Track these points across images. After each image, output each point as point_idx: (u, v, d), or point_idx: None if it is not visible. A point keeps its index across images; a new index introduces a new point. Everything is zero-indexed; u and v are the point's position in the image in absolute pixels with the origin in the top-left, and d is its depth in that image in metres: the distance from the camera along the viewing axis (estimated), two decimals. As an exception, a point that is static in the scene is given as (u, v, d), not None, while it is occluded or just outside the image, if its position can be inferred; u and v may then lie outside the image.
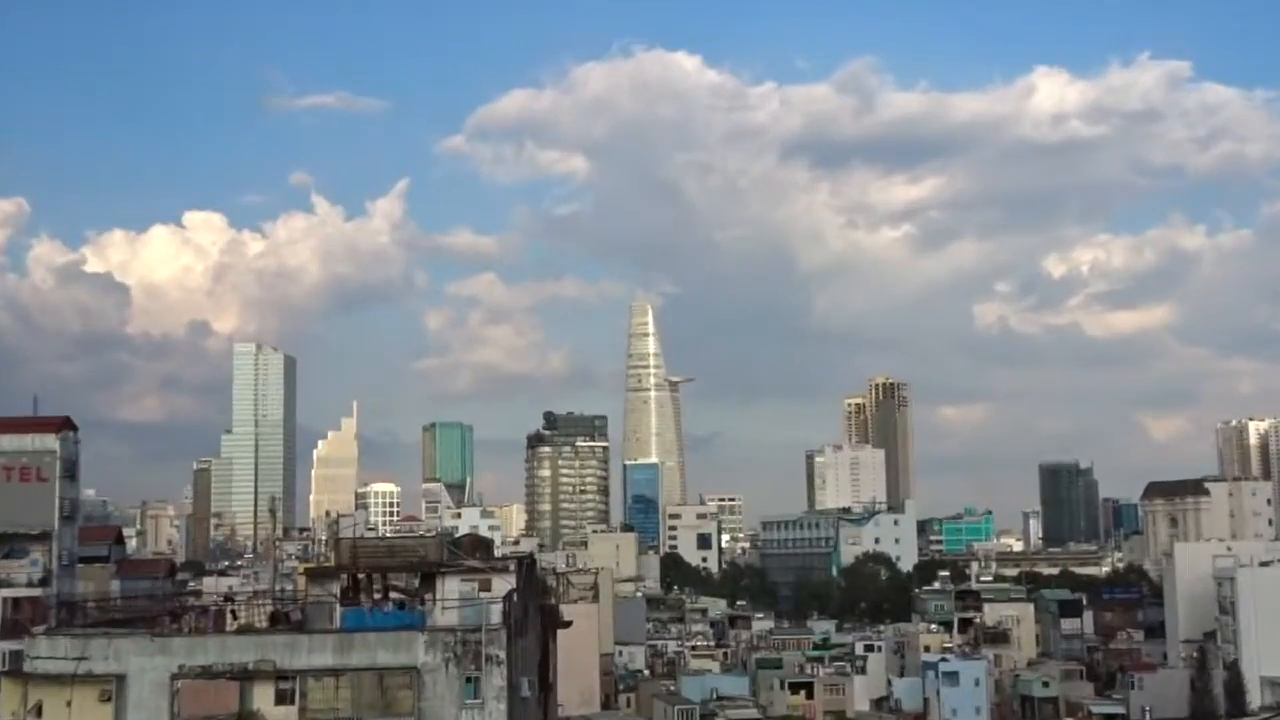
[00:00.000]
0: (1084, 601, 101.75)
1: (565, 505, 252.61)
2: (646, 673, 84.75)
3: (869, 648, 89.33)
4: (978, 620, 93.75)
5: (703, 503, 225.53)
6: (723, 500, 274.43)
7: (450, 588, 30.29)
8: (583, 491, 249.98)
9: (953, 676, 75.17)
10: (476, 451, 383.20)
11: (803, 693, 78.00)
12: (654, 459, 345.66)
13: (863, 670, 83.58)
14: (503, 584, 30.30)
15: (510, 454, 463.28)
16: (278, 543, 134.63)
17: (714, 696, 72.93)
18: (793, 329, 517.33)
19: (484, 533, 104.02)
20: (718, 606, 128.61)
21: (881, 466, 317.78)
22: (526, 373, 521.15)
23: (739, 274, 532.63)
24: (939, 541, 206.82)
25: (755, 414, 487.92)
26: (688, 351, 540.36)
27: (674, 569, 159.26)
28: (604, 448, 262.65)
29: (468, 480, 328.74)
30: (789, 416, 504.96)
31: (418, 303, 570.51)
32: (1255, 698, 63.22)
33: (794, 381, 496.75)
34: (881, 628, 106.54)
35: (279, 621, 31.20)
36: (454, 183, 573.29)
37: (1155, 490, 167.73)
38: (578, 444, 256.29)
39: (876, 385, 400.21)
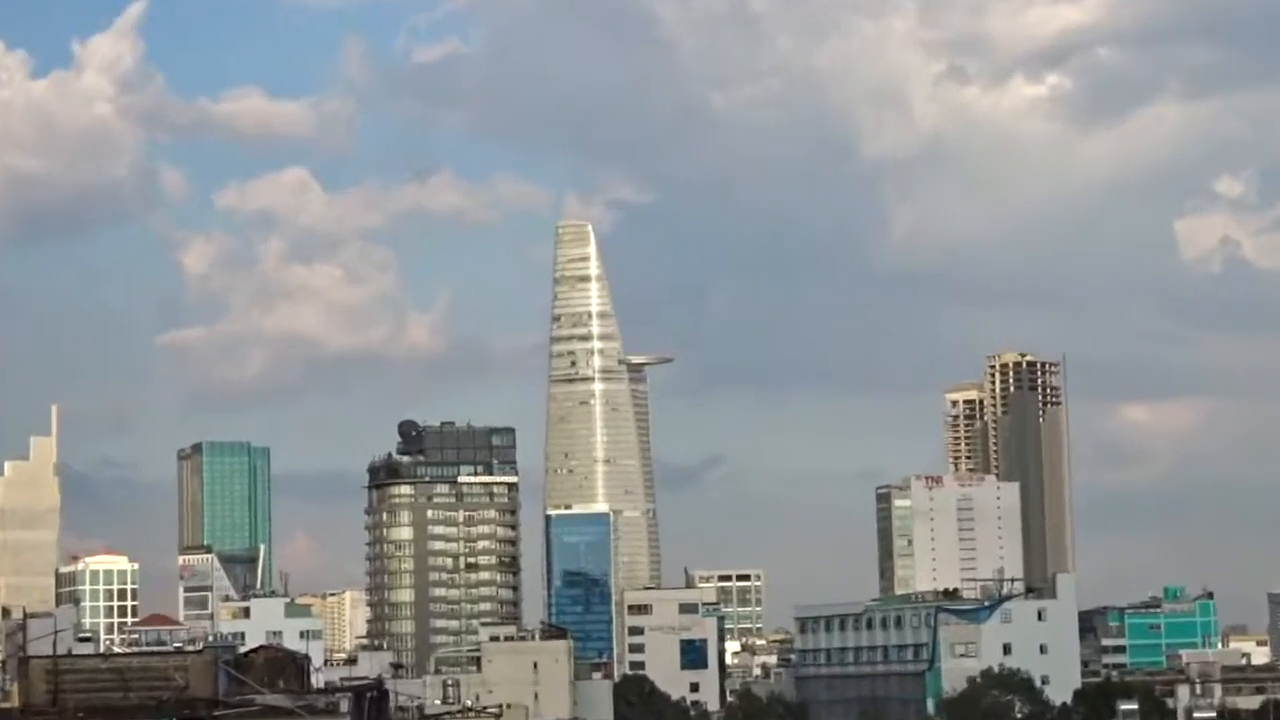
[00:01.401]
0: None
1: (441, 591, 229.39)
2: None
3: None
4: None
5: (691, 583, 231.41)
6: (728, 579, 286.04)
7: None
8: (472, 566, 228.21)
9: None
10: (276, 495, 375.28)
11: None
12: (601, 506, 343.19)
13: None
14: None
15: (338, 499, 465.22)
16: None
17: None
18: (850, 269, 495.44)
19: (293, 644, 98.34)
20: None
21: (1015, 514, 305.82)
22: (367, 350, 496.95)
23: (753, 171, 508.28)
24: (1119, 649, 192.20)
25: (784, 422, 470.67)
26: (660, 311, 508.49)
27: (640, 704, 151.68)
28: (509, 486, 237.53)
29: (260, 548, 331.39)
30: (844, 426, 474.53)
31: (166, 225, 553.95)
32: None
33: (852, 364, 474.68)
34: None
35: None
36: (229, 5, 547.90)
37: None
38: (461, 480, 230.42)
39: (1002, 368, 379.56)
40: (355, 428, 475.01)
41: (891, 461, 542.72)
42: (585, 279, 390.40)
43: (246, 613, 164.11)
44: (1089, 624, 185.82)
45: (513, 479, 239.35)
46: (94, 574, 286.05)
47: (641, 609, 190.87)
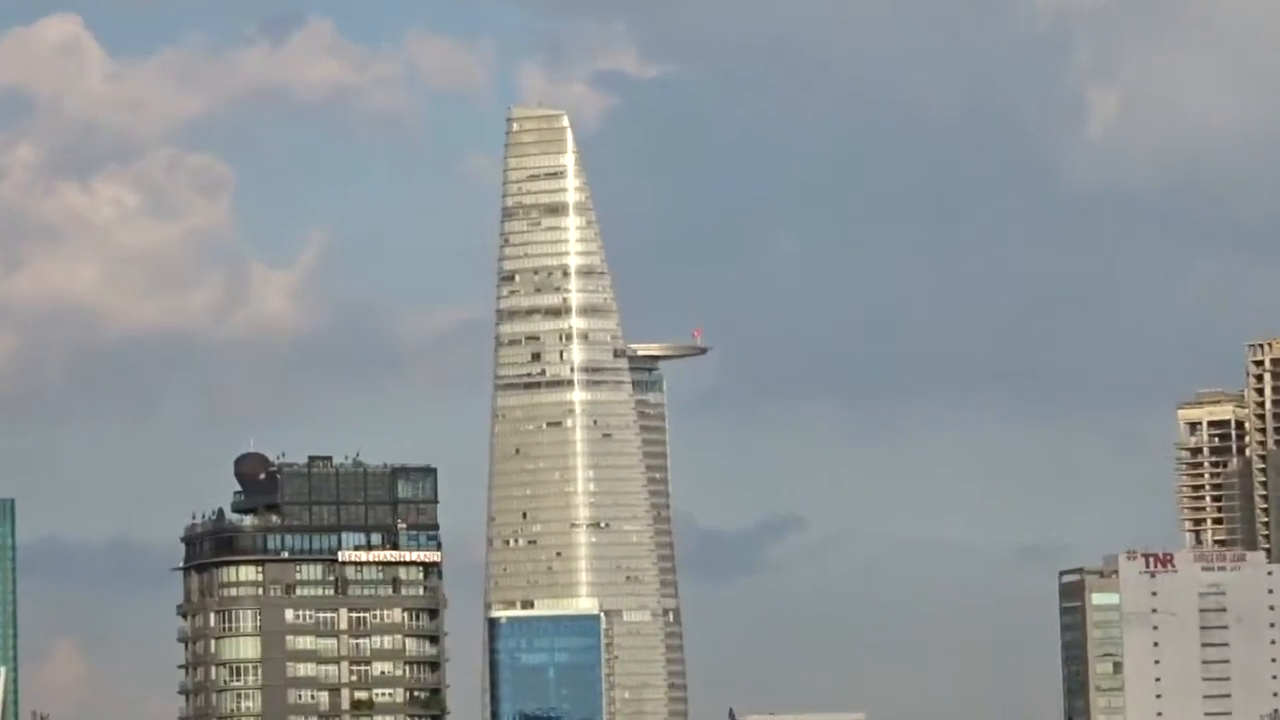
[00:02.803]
0: None
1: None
2: None
3: None
4: None
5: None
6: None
7: None
8: (364, 707, 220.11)
9: None
10: (25, 581, 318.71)
11: None
12: (585, 602, 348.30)
13: None
14: None
15: (131, 588, 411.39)
16: None
17: None
18: (1010, 195, 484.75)
19: None
20: None
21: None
22: (181, 332, 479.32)
23: (842, 28, 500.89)
24: None
25: (901, 459, 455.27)
26: (684, 266, 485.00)
27: None
28: (426, 568, 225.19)
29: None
30: (1001, 466, 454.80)
31: None
32: None
33: (1013, 359, 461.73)
34: None
35: None
36: None
37: None
38: (344, 558, 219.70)
39: (1276, 366, 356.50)
40: (162, 465, 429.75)
41: (1084, 529, 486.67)
42: (557, 211, 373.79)
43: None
44: None
45: (433, 556, 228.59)
46: None
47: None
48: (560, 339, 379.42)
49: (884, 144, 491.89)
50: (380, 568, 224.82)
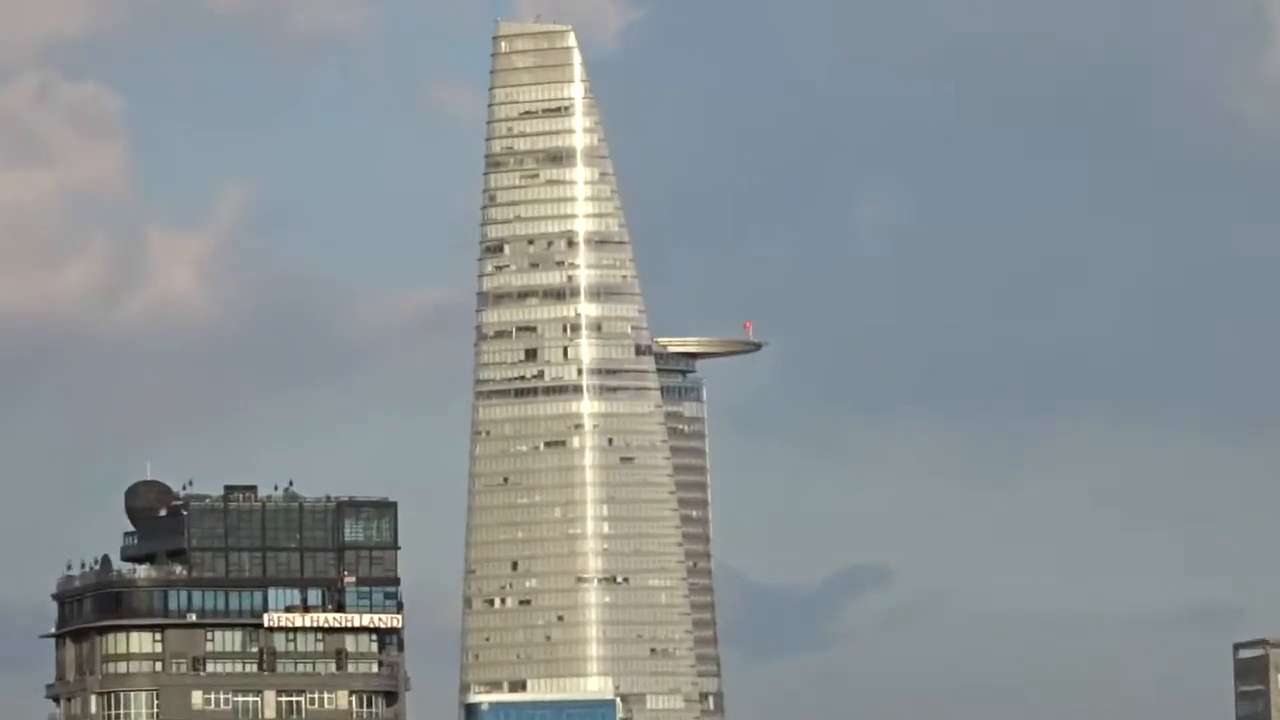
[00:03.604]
0: None
1: None
2: None
3: None
4: None
5: None
6: None
7: None
8: None
9: None
10: None
11: None
12: (595, 682, 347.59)
13: None
14: None
15: None
16: None
17: None
18: (1173, 138, 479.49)
19: None
20: None
21: None
22: (50, 319, 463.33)
23: None
24: None
25: (1020, 495, 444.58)
26: (729, 234, 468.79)
27: None
28: (382, 635, 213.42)
29: None
30: (1157, 505, 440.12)
31: None
32: None
33: (1170, 363, 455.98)
34: None
35: None
36: None
37: None
38: (272, 620, 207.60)
39: None
40: (27, 498, 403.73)
41: (1267, 589, 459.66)
42: (560, 159, 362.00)
43: None
44: None
45: (391, 620, 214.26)
46: None
47: None
48: (564, 331, 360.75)
49: (1001, 79, 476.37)
50: (320, 635, 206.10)
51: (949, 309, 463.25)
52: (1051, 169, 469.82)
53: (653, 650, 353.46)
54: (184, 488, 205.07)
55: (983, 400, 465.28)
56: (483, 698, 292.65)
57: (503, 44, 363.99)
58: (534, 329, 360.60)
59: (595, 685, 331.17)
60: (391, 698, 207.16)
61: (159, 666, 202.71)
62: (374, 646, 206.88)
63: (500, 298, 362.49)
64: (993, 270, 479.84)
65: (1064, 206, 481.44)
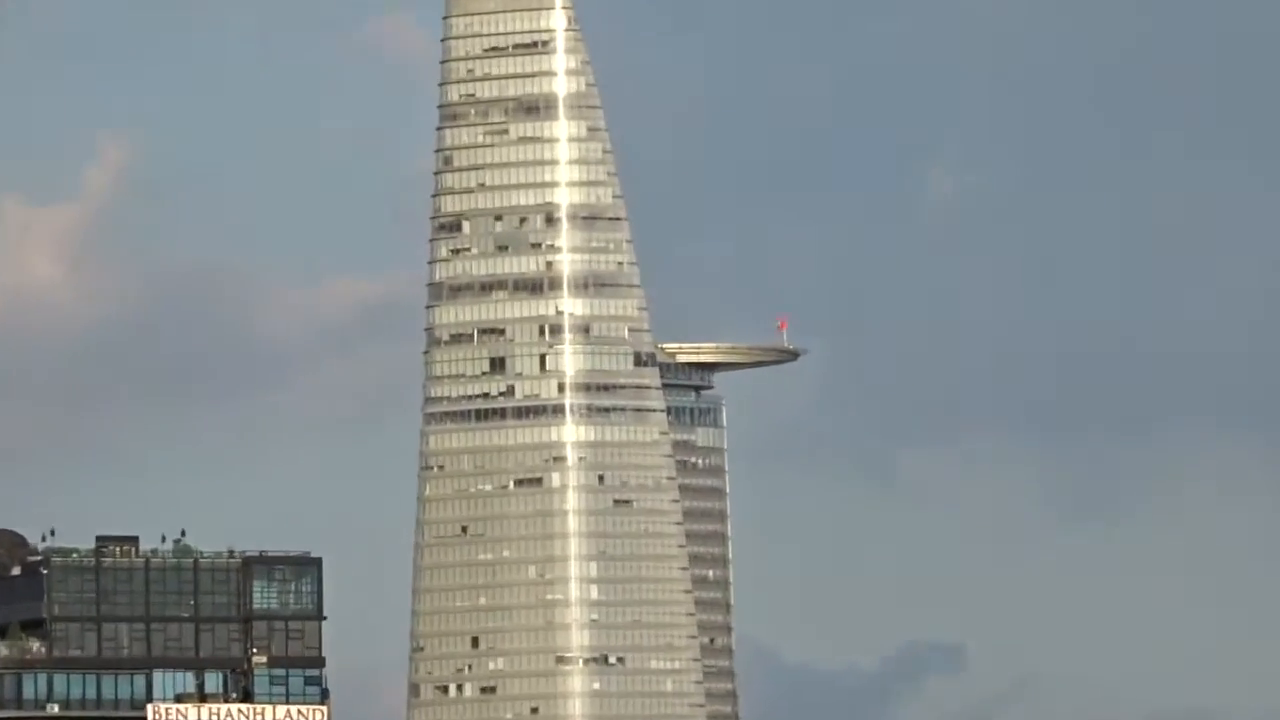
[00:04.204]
0: None
1: None
2: None
3: None
4: None
5: None
6: None
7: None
8: None
9: None
10: None
11: None
12: None
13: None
14: None
15: None
16: None
17: None
18: None
19: None
20: None
21: None
22: None
23: None
24: None
25: (1121, 528, 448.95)
26: (759, 192, 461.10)
27: None
28: None
29: None
30: None
31: None
32: None
33: None
34: None
35: None
36: None
37: None
38: (158, 713, 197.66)
39: None
40: None
41: None
42: (536, 109, 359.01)
43: None
44: None
45: (314, 710, 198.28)
46: None
47: None
48: (541, 334, 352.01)
49: (1103, 28, 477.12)
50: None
51: (1037, 312, 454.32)
52: (1162, 143, 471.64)
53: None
54: (43, 539, 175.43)
55: (1078, 422, 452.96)
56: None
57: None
58: (501, 331, 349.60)
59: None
60: None
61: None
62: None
63: (458, 290, 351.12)
64: (1094, 264, 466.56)
65: (1174, 188, 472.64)
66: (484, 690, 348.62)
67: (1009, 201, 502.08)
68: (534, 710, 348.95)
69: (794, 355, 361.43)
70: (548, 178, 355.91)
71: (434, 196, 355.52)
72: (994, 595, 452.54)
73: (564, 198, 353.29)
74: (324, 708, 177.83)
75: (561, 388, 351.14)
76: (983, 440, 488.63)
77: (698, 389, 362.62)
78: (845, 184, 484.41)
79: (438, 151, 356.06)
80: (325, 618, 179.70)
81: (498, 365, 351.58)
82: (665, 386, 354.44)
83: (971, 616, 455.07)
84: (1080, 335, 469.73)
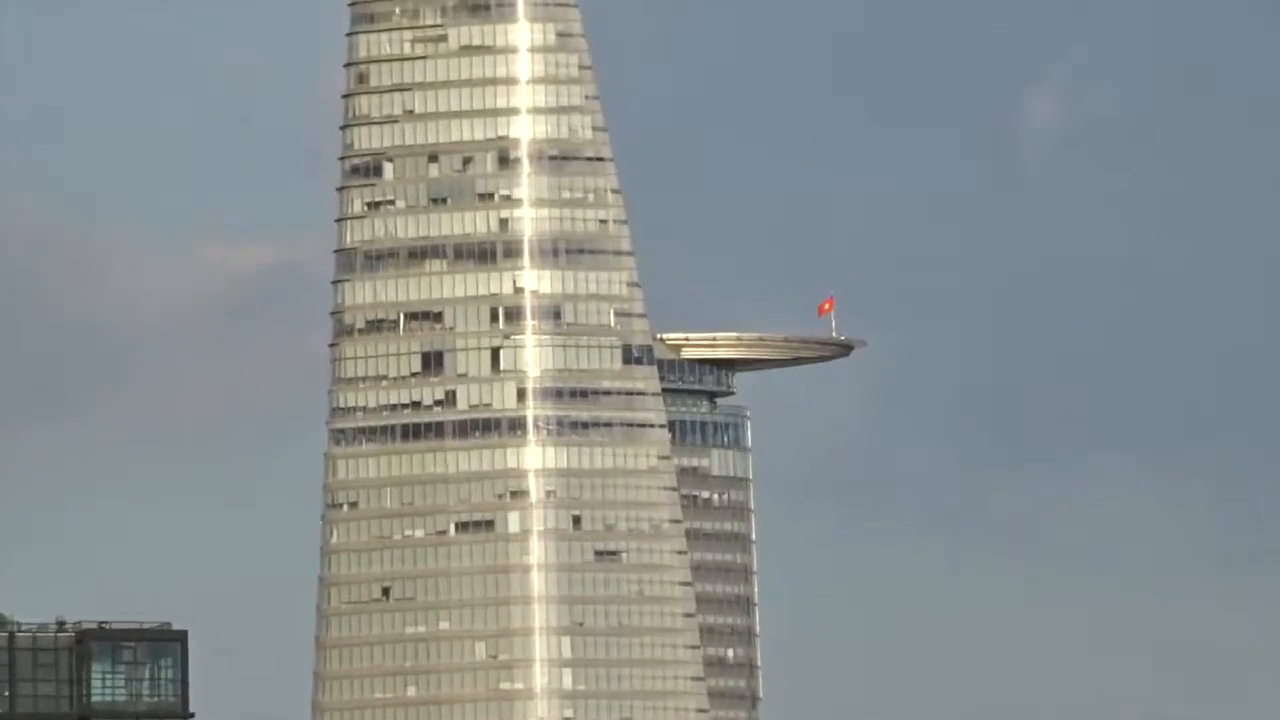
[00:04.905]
0: None
1: None
2: None
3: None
4: None
5: None
6: None
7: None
8: None
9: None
10: None
11: None
12: None
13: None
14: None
15: None
16: None
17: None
18: None
19: None
20: None
21: None
22: None
23: None
24: None
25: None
26: (792, 134, 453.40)
27: None
28: None
29: None
30: None
31: None
32: None
33: None
34: None
35: None
36: None
37: None
38: None
39: None
40: None
41: None
42: (486, 8, 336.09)
43: None
44: None
45: None
46: None
47: None
48: (493, 320, 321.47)
49: None
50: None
51: (1159, 297, 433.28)
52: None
53: None
54: None
55: (1207, 439, 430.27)
56: None
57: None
58: (438, 316, 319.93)
59: None
60: None
61: None
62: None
63: (376, 259, 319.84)
64: (1220, 250, 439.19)
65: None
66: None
67: (1137, 130, 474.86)
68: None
69: (845, 349, 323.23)
70: (501, 102, 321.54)
71: (343, 129, 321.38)
72: (1097, 661, 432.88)
73: (524, 130, 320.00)
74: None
75: (522, 395, 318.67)
76: (1095, 462, 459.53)
77: (713, 396, 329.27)
78: (918, 114, 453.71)
79: (348, 66, 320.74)
80: (192, 715, 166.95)
81: (432, 363, 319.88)
82: (667, 392, 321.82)
83: (1065, 685, 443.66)
84: (1216, 332, 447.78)
